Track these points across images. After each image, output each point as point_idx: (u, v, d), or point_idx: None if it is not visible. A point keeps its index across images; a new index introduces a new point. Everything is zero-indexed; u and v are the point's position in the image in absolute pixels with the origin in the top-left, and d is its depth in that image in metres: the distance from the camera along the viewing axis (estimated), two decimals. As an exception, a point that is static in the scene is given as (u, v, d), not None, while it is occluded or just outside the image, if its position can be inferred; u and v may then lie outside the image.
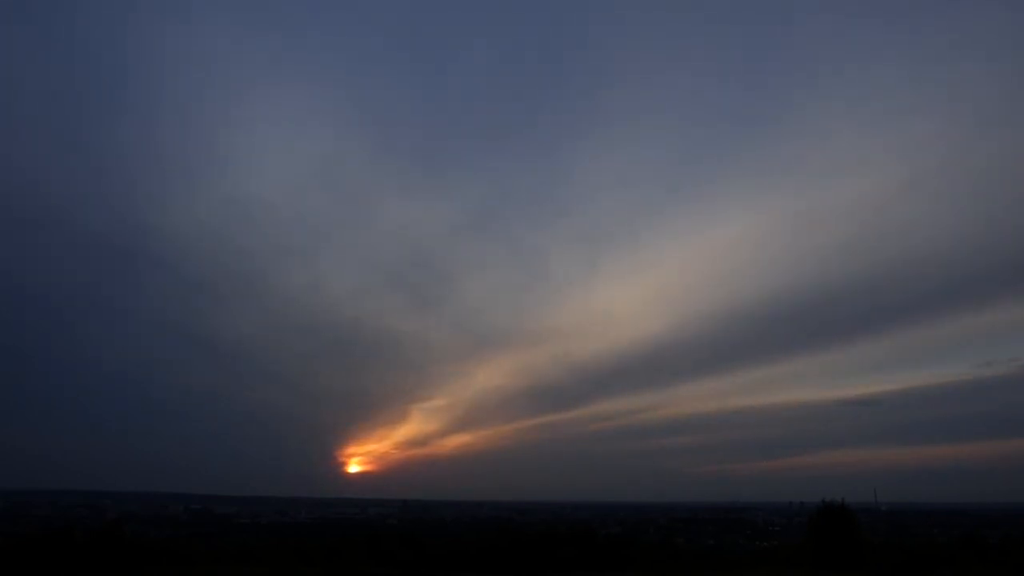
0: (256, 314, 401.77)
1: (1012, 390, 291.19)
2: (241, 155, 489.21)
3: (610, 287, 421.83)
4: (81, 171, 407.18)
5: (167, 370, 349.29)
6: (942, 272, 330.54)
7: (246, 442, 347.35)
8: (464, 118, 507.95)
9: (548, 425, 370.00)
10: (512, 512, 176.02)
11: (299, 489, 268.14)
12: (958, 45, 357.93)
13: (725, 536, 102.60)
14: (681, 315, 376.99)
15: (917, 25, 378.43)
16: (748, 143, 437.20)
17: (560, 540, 45.25)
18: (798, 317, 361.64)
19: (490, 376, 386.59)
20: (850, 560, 36.31)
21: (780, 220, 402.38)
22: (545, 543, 44.52)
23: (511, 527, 74.48)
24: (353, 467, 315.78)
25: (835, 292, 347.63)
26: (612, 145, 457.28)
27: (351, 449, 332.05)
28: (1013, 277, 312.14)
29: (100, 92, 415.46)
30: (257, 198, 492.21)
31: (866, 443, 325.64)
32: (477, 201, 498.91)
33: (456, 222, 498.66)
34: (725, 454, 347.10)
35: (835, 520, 37.78)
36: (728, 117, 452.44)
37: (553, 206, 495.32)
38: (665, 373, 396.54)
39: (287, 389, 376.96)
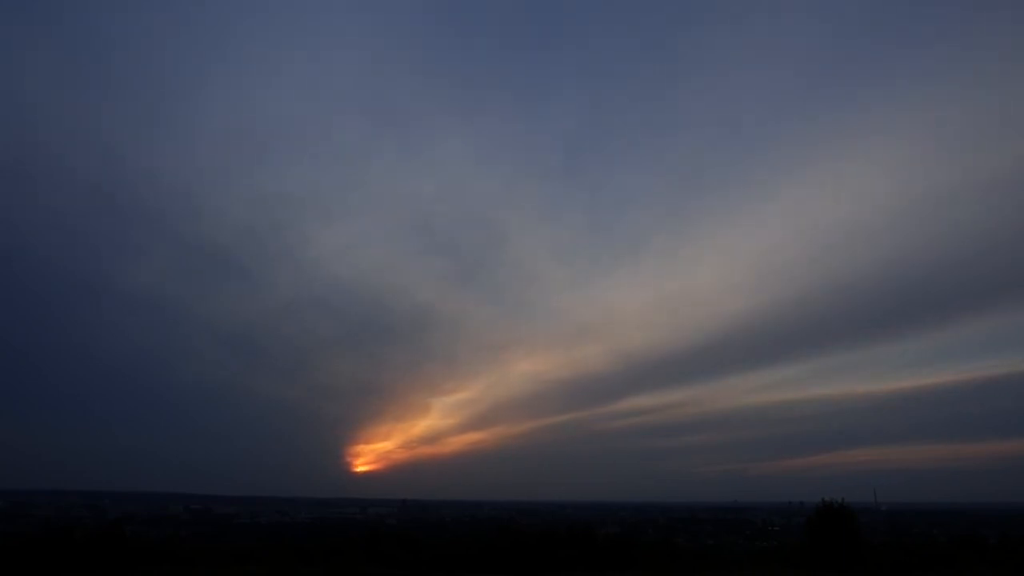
0: (265, 290, 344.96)
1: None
2: (253, 74, 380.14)
3: (696, 252, 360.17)
4: (68, 99, 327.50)
5: (166, 363, 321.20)
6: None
7: (249, 441, 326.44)
8: (550, 30, 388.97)
9: (570, 423, 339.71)
10: (512, 512, 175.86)
11: (299, 489, 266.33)
12: None
13: (725, 536, 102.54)
14: (763, 297, 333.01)
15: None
16: (899, 61, 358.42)
17: (560, 540, 45.24)
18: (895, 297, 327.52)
19: (527, 367, 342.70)
20: (849, 560, 36.34)
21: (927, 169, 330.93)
22: (545, 543, 44.52)
23: (511, 527, 74.48)
24: (358, 467, 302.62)
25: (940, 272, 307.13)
26: (725, 63, 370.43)
27: (359, 447, 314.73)
28: None
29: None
30: (272, 132, 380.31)
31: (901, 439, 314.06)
32: (552, 140, 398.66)
33: (523, 166, 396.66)
34: (739, 453, 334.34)
35: (833, 520, 37.82)
36: (870, 27, 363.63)
37: (643, 145, 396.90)
38: (711, 366, 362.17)
39: (297, 381, 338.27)
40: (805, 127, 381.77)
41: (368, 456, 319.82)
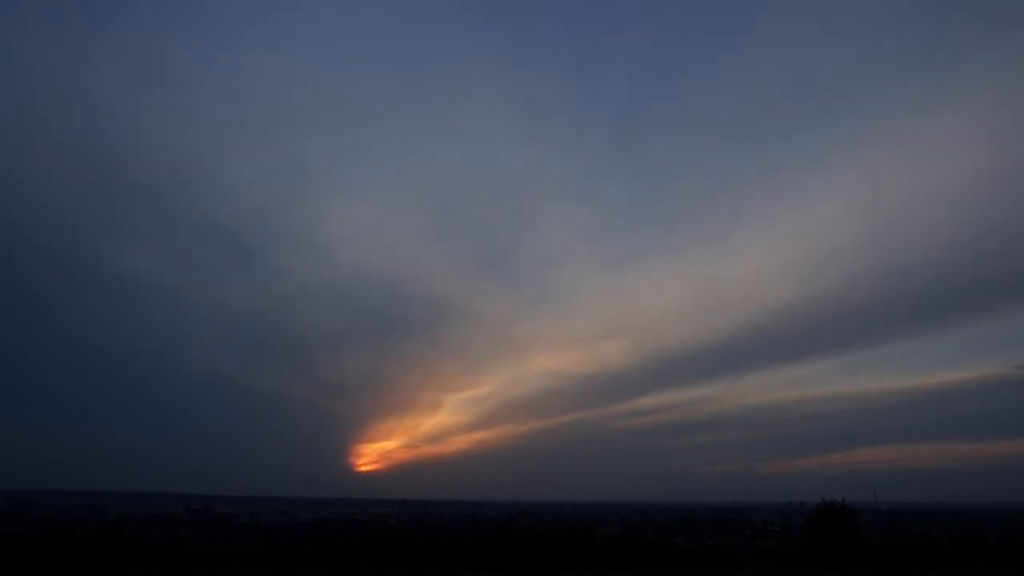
0: (272, 276, 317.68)
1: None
2: (263, 27, 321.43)
3: (742, 235, 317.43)
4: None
5: (165, 358, 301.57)
6: None
7: (250, 440, 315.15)
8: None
9: (579, 422, 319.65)
10: (512, 512, 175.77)
11: (299, 489, 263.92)
12: None
13: (725, 536, 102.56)
14: (805, 287, 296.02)
15: None
16: (975, 34, 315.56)
17: (560, 540, 45.24)
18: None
19: (546, 363, 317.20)
20: (849, 560, 36.36)
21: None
22: (545, 543, 44.52)
23: (511, 527, 74.52)
24: (361, 466, 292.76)
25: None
26: (787, 27, 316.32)
27: (362, 446, 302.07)
28: None
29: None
30: (284, 93, 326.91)
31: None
32: (598, 107, 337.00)
33: (561, 136, 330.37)
34: (743, 453, 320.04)
35: (833, 520, 37.86)
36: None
37: (695, 115, 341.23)
38: (737, 362, 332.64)
39: (302, 377, 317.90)
40: (873, 94, 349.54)
41: (370, 455, 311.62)
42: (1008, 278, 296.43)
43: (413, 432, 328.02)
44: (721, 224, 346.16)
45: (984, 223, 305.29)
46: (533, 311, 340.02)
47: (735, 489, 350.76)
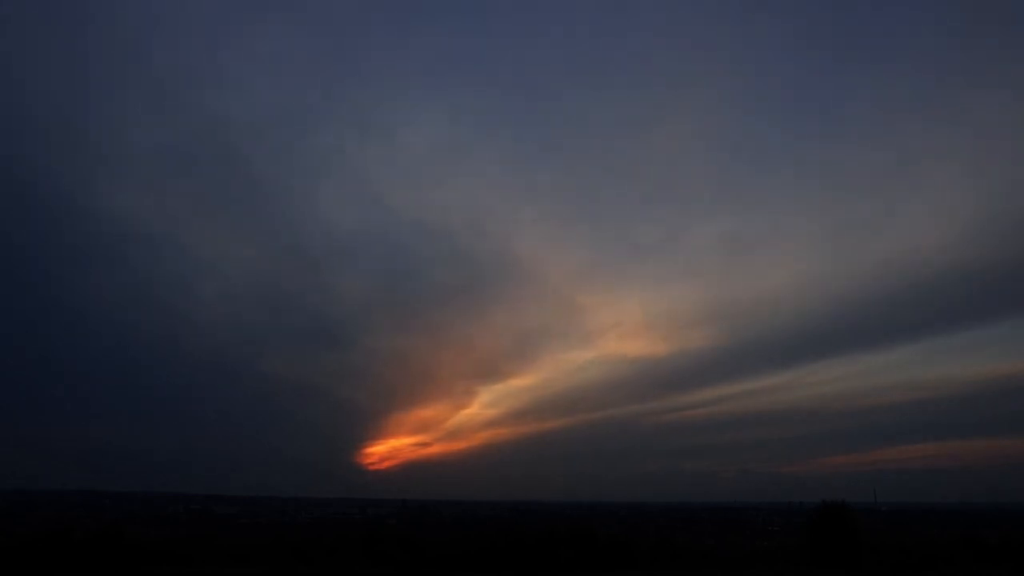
0: (284, 220, 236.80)
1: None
2: None
3: (917, 173, 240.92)
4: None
5: (164, 351, 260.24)
6: None
7: (252, 438, 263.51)
8: None
9: (609, 420, 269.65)
10: (512, 512, 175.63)
11: (300, 489, 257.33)
12: None
13: (725, 536, 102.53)
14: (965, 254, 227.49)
15: None
16: None
17: (560, 540, 45.22)
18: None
19: (614, 344, 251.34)
20: (849, 560, 36.38)
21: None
22: (545, 543, 44.50)
23: (511, 527, 74.48)
24: (366, 466, 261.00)
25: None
26: None
27: (370, 444, 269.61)
28: None
29: None
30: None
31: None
32: None
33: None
34: (754, 453, 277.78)
35: (834, 520, 37.94)
36: None
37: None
38: (825, 348, 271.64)
39: (317, 360, 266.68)
40: None
41: (381, 453, 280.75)
42: None
43: (433, 428, 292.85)
44: (892, 161, 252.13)
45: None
46: (612, 275, 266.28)
47: (735, 489, 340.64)
